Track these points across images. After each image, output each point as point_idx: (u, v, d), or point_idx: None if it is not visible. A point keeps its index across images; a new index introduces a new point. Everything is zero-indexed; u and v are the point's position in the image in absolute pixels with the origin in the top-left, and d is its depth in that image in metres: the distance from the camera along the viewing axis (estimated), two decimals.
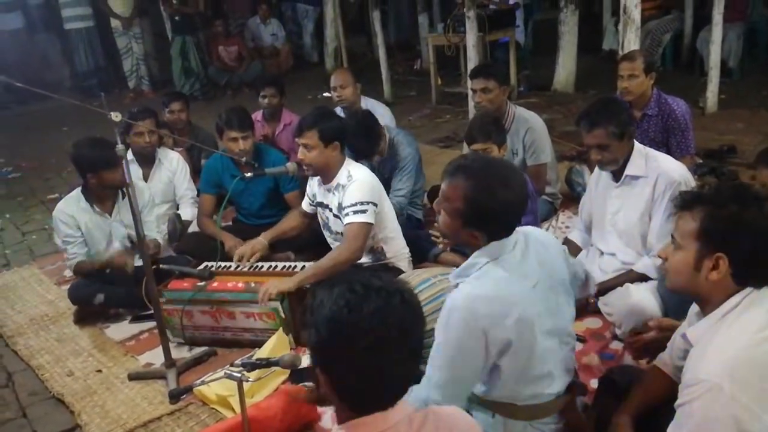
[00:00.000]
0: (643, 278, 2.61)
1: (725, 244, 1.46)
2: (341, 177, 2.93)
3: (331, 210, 3.01)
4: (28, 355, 3.06)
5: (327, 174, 2.96)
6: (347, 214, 2.85)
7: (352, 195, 2.85)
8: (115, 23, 8.53)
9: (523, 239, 1.77)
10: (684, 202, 1.55)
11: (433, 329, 1.74)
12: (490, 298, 1.64)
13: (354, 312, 1.12)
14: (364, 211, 2.83)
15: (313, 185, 3.15)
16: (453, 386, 1.67)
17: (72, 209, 3.25)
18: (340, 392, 1.18)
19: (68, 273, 3.81)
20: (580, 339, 2.59)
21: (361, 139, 3.45)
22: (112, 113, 2.41)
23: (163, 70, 9.32)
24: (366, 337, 1.11)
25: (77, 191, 3.30)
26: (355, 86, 4.20)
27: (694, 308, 1.66)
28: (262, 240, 3.18)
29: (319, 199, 3.10)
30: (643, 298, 2.50)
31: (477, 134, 3.05)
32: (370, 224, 2.86)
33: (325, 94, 7.20)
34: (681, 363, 1.61)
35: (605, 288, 2.65)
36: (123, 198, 3.25)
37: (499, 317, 1.62)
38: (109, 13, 8.44)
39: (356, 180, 2.88)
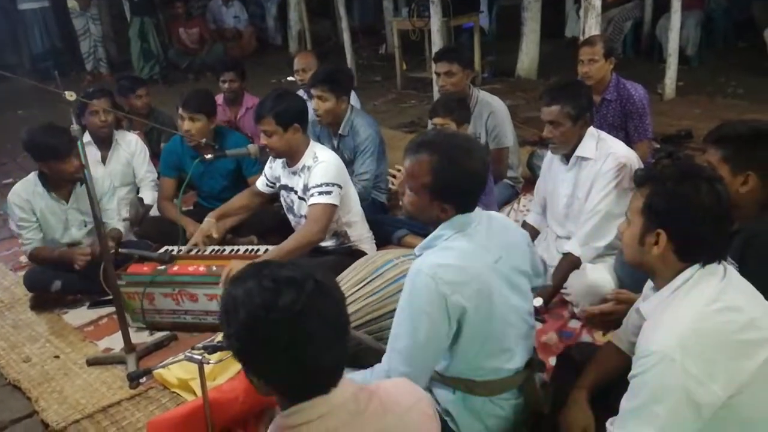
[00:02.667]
0: (575, 263, 2.65)
1: (664, 220, 1.51)
2: (307, 159, 2.92)
3: (296, 192, 2.99)
4: None
5: (292, 156, 2.95)
6: (312, 195, 2.84)
7: (317, 176, 2.85)
8: (72, 4, 8.27)
9: (486, 219, 1.81)
10: (638, 180, 1.60)
11: (394, 310, 1.76)
12: (454, 266, 1.67)
13: (270, 311, 1.09)
14: (329, 193, 2.83)
15: (276, 167, 3.12)
16: (417, 354, 1.68)
17: (28, 193, 3.16)
18: (276, 388, 1.17)
19: (24, 259, 3.71)
20: (540, 319, 2.64)
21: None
22: (66, 92, 2.35)
23: (122, 52, 9.09)
24: (286, 333, 1.09)
25: (34, 175, 3.20)
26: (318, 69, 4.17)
27: (649, 284, 1.71)
28: (210, 219, 3.11)
29: (283, 182, 3.08)
30: (600, 277, 2.56)
31: (439, 108, 3.11)
32: (334, 206, 2.86)
33: (290, 78, 7.11)
34: (635, 339, 1.66)
35: (549, 295, 2.67)
36: (81, 185, 3.17)
37: (460, 285, 1.65)
38: None
39: (322, 161, 2.88)
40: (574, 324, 2.66)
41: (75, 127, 2.40)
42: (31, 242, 3.17)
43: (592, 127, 2.71)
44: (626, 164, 2.59)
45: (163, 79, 8.20)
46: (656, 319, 1.51)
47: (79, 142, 2.42)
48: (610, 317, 2.29)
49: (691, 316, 1.44)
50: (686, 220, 1.49)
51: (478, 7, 7.11)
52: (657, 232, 1.51)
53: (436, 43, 6.13)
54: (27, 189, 3.18)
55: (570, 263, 2.63)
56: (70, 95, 2.36)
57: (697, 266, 1.51)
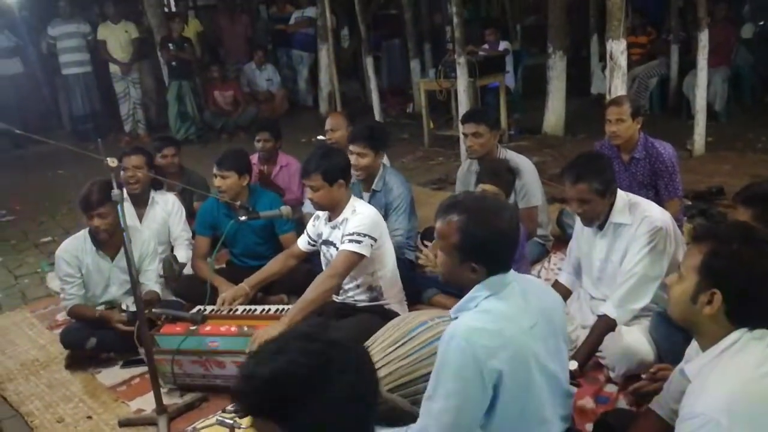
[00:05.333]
0: (610, 325, 2.59)
1: (721, 282, 1.48)
2: (347, 212, 3.00)
3: (335, 246, 3.04)
4: (17, 402, 3.01)
5: (334, 210, 3.03)
6: (343, 242, 2.89)
7: (352, 225, 2.92)
8: (114, 68, 8.65)
9: (523, 282, 1.81)
10: (697, 235, 1.59)
11: (429, 373, 1.75)
12: (489, 330, 1.66)
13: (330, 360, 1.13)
14: (359, 242, 2.87)
15: (319, 225, 3.18)
16: (450, 419, 1.66)
17: (77, 249, 3.25)
18: None
19: (60, 317, 3.78)
20: (575, 383, 2.58)
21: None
22: (108, 159, 2.44)
23: (160, 114, 9.42)
24: (353, 372, 1.14)
25: (84, 231, 3.30)
26: (347, 129, 4.27)
27: (693, 345, 1.67)
28: (245, 286, 3.16)
29: (324, 237, 3.13)
30: (636, 340, 2.51)
31: (486, 176, 3.19)
32: (360, 255, 2.89)
33: (319, 137, 7.28)
34: (677, 406, 1.62)
35: (584, 358, 2.59)
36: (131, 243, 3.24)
37: (496, 349, 1.64)
38: (108, 59, 8.57)
39: (360, 213, 2.96)
40: (611, 388, 2.59)
41: (116, 191, 2.48)
42: (73, 298, 3.25)
43: (621, 191, 2.71)
44: (662, 227, 2.58)
45: (199, 140, 8.45)
46: (702, 381, 1.48)
47: (119, 206, 2.49)
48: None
49: (739, 380, 1.41)
50: (746, 284, 1.46)
51: (503, 67, 7.25)
52: (712, 292, 1.49)
53: (463, 102, 6.24)
54: (77, 245, 3.27)
55: (605, 325, 2.59)
56: (112, 161, 2.45)
57: (745, 329, 1.48)
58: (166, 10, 10.38)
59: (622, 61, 4.75)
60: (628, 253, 2.62)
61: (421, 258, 2.95)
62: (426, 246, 2.97)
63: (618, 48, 4.74)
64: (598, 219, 2.70)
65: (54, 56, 8.80)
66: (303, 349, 1.12)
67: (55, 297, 3.99)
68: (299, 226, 3.75)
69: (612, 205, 2.67)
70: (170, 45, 8.29)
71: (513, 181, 3.32)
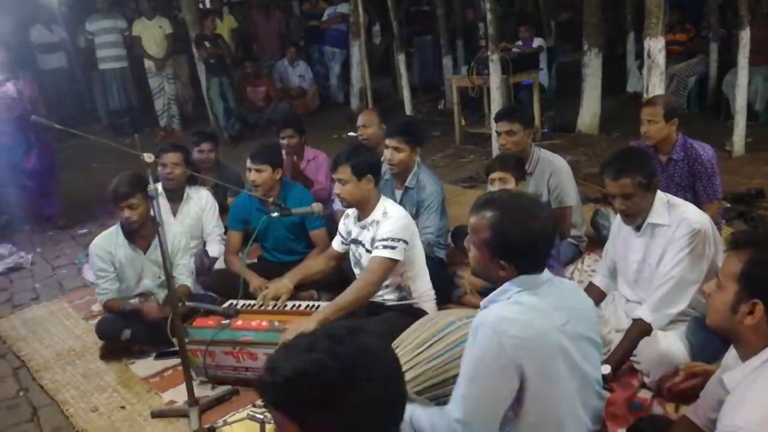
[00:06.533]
0: (646, 330, 2.53)
1: (763, 291, 1.44)
2: (377, 213, 3.00)
3: (364, 246, 3.04)
4: (53, 390, 3.09)
5: (363, 208, 3.03)
6: (377, 248, 2.89)
7: (385, 229, 2.91)
8: (148, 64, 8.77)
9: (557, 283, 1.80)
10: (734, 242, 1.55)
11: (458, 375, 1.74)
12: (520, 321, 1.65)
13: (364, 353, 1.11)
14: (393, 248, 2.87)
15: (348, 223, 3.19)
16: (474, 404, 1.66)
17: (110, 244, 3.31)
18: None
19: (96, 308, 3.86)
20: (608, 388, 2.53)
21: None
22: (144, 154, 2.47)
23: (196, 109, 9.51)
24: (381, 365, 1.12)
25: (116, 226, 3.36)
26: (379, 126, 4.27)
27: (731, 353, 1.63)
28: (287, 283, 3.19)
29: (353, 236, 3.14)
30: (672, 345, 2.46)
31: (497, 164, 3.27)
32: (395, 261, 2.89)
33: (350, 134, 7.30)
34: (714, 415, 1.58)
35: (618, 362, 2.52)
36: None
37: (525, 341, 1.63)
38: (143, 54, 8.70)
39: (391, 216, 2.95)
40: (645, 394, 2.54)
41: (152, 186, 2.52)
42: (107, 292, 3.31)
43: (660, 192, 2.66)
44: (701, 230, 2.51)
45: (236, 135, 8.44)
46: (742, 392, 1.44)
47: (154, 201, 2.53)
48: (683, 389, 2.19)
49: None
50: None
51: (537, 64, 7.15)
52: (754, 303, 1.45)
53: (495, 99, 6.19)
54: (109, 240, 3.33)
55: (640, 330, 2.53)
56: (149, 157, 2.48)
57: None
58: (201, 6, 10.49)
59: (661, 59, 4.66)
60: (666, 256, 2.56)
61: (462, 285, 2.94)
62: (454, 245, 2.96)
63: (656, 46, 4.65)
64: (641, 216, 2.63)
65: (91, 51, 8.96)
66: (331, 351, 1.08)
67: (90, 288, 4.08)
68: (329, 222, 3.77)
69: (653, 203, 2.61)
70: (206, 43, 8.29)
71: (522, 166, 3.38)
